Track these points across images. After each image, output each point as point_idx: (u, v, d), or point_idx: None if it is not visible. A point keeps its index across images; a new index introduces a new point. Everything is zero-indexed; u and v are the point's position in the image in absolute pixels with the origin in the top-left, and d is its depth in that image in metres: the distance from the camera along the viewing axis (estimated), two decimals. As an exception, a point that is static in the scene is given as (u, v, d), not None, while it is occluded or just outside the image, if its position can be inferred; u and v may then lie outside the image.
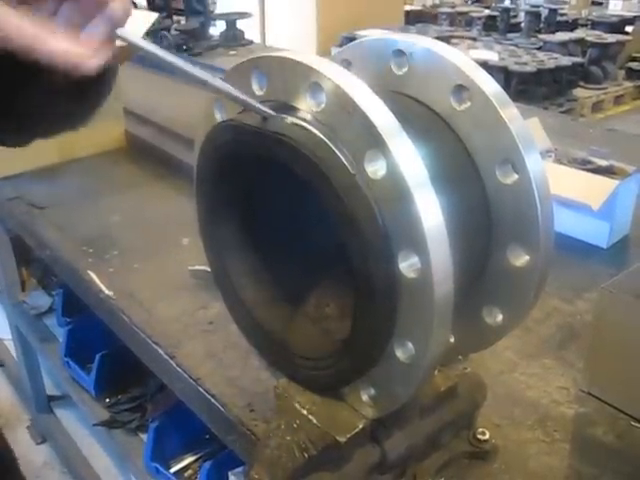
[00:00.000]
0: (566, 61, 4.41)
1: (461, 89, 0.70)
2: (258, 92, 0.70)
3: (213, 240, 0.86)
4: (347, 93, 0.61)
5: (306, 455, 0.72)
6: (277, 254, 0.85)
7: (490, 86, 0.70)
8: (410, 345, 0.65)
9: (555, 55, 4.62)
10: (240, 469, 1.43)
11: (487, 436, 0.87)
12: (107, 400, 1.97)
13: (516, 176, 0.69)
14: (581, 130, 2.16)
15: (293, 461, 0.72)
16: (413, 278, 0.61)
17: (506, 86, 3.75)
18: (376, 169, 0.61)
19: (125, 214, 1.64)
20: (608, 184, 1.37)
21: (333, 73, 0.63)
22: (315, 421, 0.74)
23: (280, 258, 0.85)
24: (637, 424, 0.94)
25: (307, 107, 0.65)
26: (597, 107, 5.06)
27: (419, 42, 0.73)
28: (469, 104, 0.71)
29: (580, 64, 4.77)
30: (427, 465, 0.83)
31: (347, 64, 0.79)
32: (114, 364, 1.92)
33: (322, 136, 0.64)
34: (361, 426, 0.73)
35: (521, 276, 0.72)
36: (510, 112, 0.69)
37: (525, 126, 0.69)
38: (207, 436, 1.71)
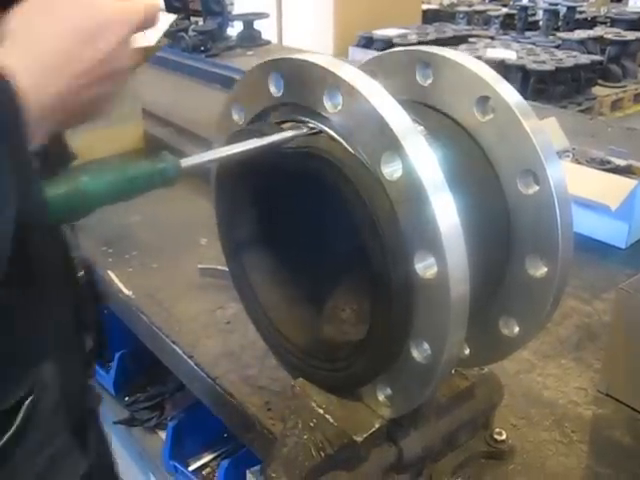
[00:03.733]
0: (585, 59, 4.35)
1: (485, 100, 0.71)
2: (275, 94, 0.71)
3: (232, 241, 0.86)
4: (363, 95, 0.62)
5: (323, 454, 0.72)
6: (295, 257, 0.85)
7: (513, 97, 0.70)
8: (426, 345, 0.65)
9: (574, 53, 4.56)
10: (258, 467, 1.44)
11: (504, 436, 0.87)
12: (126, 398, 1.98)
13: (537, 187, 0.69)
14: (600, 129, 2.14)
15: (310, 460, 0.72)
16: (429, 279, 0.61)
17: (524, 85, 3.71)
18: (392, 171, 0.61)
19: (144, 215, 1.65)
20: (627, 184, 1.36)
21: (349, 75, 0.63)
22: (332, 420, 0.74)
23: (298, 261, 0.85)
24: (656, 425, 0.93)
25: (324, 109, 0.66)
26: (616, 105, 4.99)
27: (444, 54, 0.73)
28: (492, 115, 0.71)
29: (599, 62, 4.71)
30: (444, 465, 0.83)
31: (372, 75, 0.79)
32: (133, 363, 1.93)
33: (342, 140, 0.65)
34: (378, 426, 0.74)
35: (539, 287, 0.72)
36: (533, 123, 0.69)
37: (547, 137, 0.69)
38: (225, 434, 1.72)
